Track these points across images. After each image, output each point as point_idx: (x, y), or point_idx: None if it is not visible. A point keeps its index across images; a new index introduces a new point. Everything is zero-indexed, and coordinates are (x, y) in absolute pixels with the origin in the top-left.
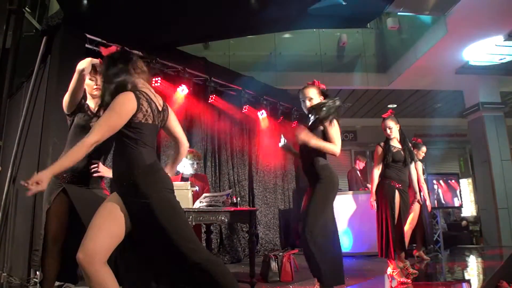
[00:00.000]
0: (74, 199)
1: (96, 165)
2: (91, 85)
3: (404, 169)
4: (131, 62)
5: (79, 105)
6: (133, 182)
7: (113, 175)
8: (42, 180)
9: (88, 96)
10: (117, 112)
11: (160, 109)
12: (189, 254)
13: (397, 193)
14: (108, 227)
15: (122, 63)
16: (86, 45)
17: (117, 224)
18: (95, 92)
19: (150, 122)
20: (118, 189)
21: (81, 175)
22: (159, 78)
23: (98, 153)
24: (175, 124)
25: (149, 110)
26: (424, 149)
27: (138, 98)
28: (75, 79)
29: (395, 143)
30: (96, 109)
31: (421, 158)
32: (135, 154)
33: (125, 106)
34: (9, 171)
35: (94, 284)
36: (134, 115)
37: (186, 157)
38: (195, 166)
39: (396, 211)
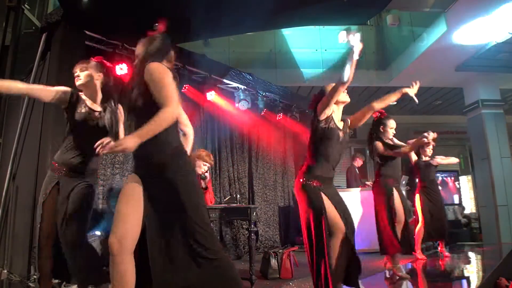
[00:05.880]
0: (63, 193)
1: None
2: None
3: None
4: (166, 48)
5: (72, 98)
6: (162, 162)
7: (138, 155)
8: (126, 146)
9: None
10: (168, 83)
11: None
12: (203, 241)
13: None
14: (134, 213)
15: (159, 45)
16: (86, 42)
17: (140, 210)
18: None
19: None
20: (141, 169)
21: (76, 169)
22: None
23: (91, 149)
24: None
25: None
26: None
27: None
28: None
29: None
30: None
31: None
32: (164, 135)
33: (168, 75)
34: (9, 168)
35: (115, 272)
36: None
37: None
38: None
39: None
